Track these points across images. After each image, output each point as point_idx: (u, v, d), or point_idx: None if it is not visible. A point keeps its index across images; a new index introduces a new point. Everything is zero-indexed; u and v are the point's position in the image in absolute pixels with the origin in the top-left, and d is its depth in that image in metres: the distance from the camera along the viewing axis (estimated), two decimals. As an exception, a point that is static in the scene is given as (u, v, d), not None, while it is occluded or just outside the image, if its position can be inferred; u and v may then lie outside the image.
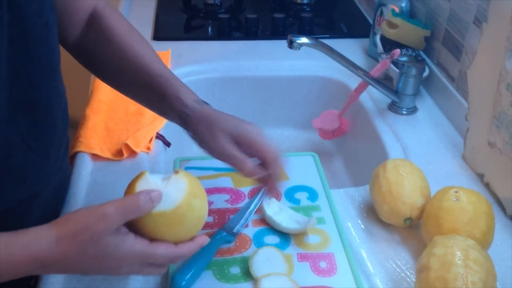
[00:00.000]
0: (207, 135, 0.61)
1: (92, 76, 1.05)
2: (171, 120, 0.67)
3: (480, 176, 0.81)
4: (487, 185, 0.80)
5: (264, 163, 0.62)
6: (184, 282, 0.60)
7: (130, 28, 0.70)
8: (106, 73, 0.71)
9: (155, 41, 1.17)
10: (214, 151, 0.62)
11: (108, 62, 0.69)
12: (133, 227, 0.52)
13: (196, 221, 0.55)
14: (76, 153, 0.82)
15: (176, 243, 0.53)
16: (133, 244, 0.50)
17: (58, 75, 0.64)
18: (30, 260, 0.48)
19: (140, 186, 0.53)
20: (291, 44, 0.86)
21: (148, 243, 0.51)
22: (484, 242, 0.64)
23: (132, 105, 0.92)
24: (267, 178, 0.62)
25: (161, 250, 0.51)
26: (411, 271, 0.66)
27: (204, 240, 0.56)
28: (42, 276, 0.63)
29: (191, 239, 0.55)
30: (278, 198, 0.75)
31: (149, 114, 0.90)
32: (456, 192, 0.66)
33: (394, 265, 0.67)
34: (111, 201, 0.50)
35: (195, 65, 1.10)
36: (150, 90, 0.66)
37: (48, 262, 0.48)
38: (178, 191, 0.53)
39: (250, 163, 0.60)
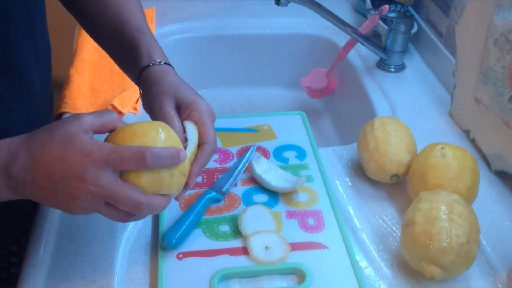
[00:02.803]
0: (159, 94, 0.59)
1: (76, 35, 1.03)
2: (133, 76, 0.65)
3: (466, 132, 0.82)
4: (473, 141, 0.80)
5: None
6: (174, 240, 0.61)
7: None
8: (86, 20, 0.69)
9: (139, -1, 1.14)
10: (151, 106, 0.60)
11: (88, 12, 0.67)
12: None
13: (170, 138, 0.52)
14: (62, 114, 0.81)
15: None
16: (100, 141, 0.49)
17: (38, 31, 0.63)
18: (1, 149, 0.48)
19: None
20: (278, 1, 0.85)
21: (113, 147, 0.49)
22: (469, 196, 0.65)
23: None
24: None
25: (127, 145, 0.49)
26: (397, 226, 0.67)
27: (180, 150, 0.51)
28: (33, 233, 0.63)
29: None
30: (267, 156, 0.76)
31: (134, 74, 0.89)
32: (442, 148, 0.67)
33: (380, 221, 0.68)
34: None
35: (181, 24, 1.07)
36: (124, 43, 0.64)
37: (16, 151, 0.48)
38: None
39: (179, 125, 0.57)
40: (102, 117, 0.50)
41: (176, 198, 0.56)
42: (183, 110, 0.58)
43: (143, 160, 0.48)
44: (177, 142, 0.53)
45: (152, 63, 0.62)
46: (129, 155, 0.48)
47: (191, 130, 0.57)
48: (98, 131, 0.51)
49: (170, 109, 0.58)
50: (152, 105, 0.59)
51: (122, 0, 0.66)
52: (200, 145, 0.57)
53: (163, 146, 0.51)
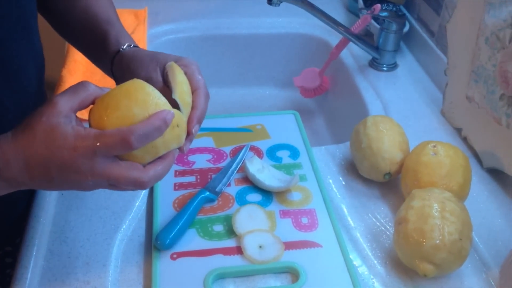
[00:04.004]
0: (139, 67, 0.58)
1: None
2: (105, 67, 0.65)
3: (458, 130, 0.83)
4: (464, 139, 0.81)
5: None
6: (168, 241, 0.61)
7: None
8: (55, 16, 0.69)
9: (131, -1, 1.14)
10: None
11: (58, 10, 0.67)
12: (91, 126, 0.49)
13: (148, 96, 0.48)
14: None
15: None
16: (82, 129, 0.47)
17: (32, 33, 0.62)
18: None
19: None
20: (270, 1, 0.85)
21: (99, 130, 0.47)
22: (461, 194, 0.66)
23: (110, 66, 0.90)
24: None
25: (109, 130, 0.47)
26: (390, 224, 0.67)
27: (165, 113, 0.48)
28: (26, 234, 0.63)
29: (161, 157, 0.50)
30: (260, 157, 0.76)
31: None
32: (434, 146, 0.67)
33: (373, 219, 0.68)
34: None
35: (173, 24, 1.07)
36: (94, 36, 0.64)
37: (7, 158, 0.46)
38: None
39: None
40: (78, 95, 0.48)
41: (181, 150, 0.53)
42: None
43: (129, 144, 0.46)
44: (155, 99, 0.49)
45: (122, 48, 0.61)
46: (113, 143, 0.46)
47: (173, 72, 0.54)
48: (79, 109, 0.49)
49: (158, 82, 0.56)
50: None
51: None
52: (192, 92, 0.55)
53: (143, 114, 0.48)
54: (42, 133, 0.46)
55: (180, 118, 0.51)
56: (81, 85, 0.49)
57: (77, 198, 0.68)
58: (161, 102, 0.50)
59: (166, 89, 0.55)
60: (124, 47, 0.62)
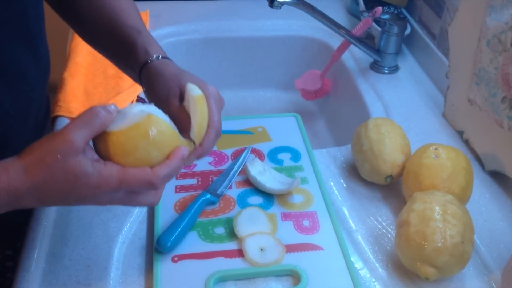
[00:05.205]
0: (161, 86, 0.59)
1: (69, 38, 1.03)
2: (134, 76, 0.65)
3: (460, 133, 0.83)
4: (466, 142, 0.81)
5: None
6: (169, 243, 0.61)
7: None
8: (81, 26, 0.69)
9: (132, 2, 1.14)
10: (160, 100, 0.60)
11: (84, 15, 0.66)
12: (103, 157, 0.50)
13: (164, 136, 0.50)
14: (56, 117, 0.81)
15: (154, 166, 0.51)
16: (103, 167, 0.48)
17: (35, 38, 0.62)
18: (1, 193, 0.46)
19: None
20: (272, 3, 0.85)
21: (120, 167, 0.49)
22: (463, 197, 0.65)
23: (111, 68, 0.90)
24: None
25: (133, 171, 0.49)
26: (391, 226, 0.67)
27: (182, 150, 0.51)
28: (27, 237, 0.63)
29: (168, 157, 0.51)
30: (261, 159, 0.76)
31: (128, 77, 0.89)
32: (436, 149, 0.67)
33: (375, 222, 0.68)
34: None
35: (175, 26, 1.07)
36: (121, 44, 0.64)
37: (20, 193, 0.47)
38: (140, 110, 0.51)
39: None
40: (92, 127, 0.48)
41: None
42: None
43: (155, 186, 0.50)
44: (171, 138, 0.51)
45: (150, 60, 0.61)
46: (139, 186, 0.49)
47: (195, 106, 0.55)
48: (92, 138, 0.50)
49: (175, 101, 0.58)
50: (158, 100, 0.59)
51: (116, 1, 0.66)
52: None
53: (161, 155, 0.51)
54: (61, 172, 0.46)
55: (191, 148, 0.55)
56: (92, 114, 0.48)
57: (78, 200, 0.68)
58: (175, 136, 0.52)
59: (181, 109, 0.57)
60: (153, 58, 0.62)
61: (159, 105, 0.56)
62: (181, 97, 0.58)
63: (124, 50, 0.64)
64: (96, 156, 0.50)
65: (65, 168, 0.46)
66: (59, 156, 0.46)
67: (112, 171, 0.48)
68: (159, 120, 0.51)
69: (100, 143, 0.50)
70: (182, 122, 0.55)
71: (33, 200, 0.48)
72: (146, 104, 0.53)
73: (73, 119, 0.49)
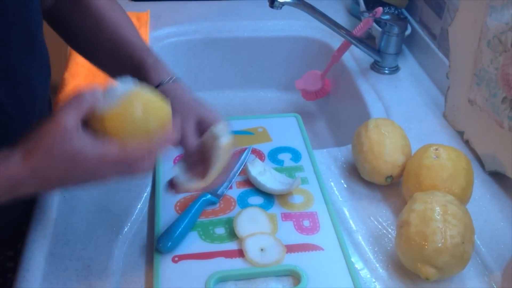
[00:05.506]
0: (176, 110, 0.59)
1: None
2: None
3: (460, 134, 0.83)
4: (466, 142, 0.81)
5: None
6: (170, 243, 0.61)
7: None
8: (81, 43, 0.69)
9: (133, 2, 1.14)
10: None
11: (83, 31, 0.67)
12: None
13: (154, 108, 0.52)
14: (56, 118, 0.81)
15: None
16: (100, 141, 0.49)
17: (38, 43, 0.63)
18: (1, 180, 0.47)
19: None
20: (272, 3, 0.85)
21: (117, 140, 0.50)
22: (463, 197, 0.65)
23: (112, 69, 0.90)
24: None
25: (131, 143, 0.50)
26: (392, 227, 0.67)
27: (175, 123, 0.53)
28: (28, 237, 0.63)
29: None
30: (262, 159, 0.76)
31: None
32: (436, 149, 0.67)
33: (375, 222, 0.68)
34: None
35: (175, 27, 1.07)
36: (126, 62, 0.65)
37: (20, 178, 0.48)
38: (125, 88, 0.52)
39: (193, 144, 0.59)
40: (81, 107, 0.49)
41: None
42: (204, 127, 0.60)
43: (153, 156, 0.51)
44: (159, 108, 0.52)
45: (163, 81, 0.62)
46: (138, 157, 0.50)
47: (219, 154, 0.58)
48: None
49: (191, 129, 0.59)
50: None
51: (114, 18, 0.66)
52: None
53: (153, 126, 0.51)
54: (59, 152, 0.47)
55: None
56: (77, 97, 0.49)
57: (78, 200, 0.68)
58: (163, 106, 0.53)
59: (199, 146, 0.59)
60: (165, 80, 0.62)
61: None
62: (198, 126, 0.60)
63: (130, 70, 0.64)
64: (89, 133, 0.50)
65: (62, 148, 0.47)
66: (55, 138, 0.47)
67: (110, 143, 0.49)
68: (146, 95, 0.52)
69: (93, 124, 0.51)
70: (192, 156, 0.59)
71: (35, 184, 0.49)
72: (129, 80, 0.53)
73: (61, 106, 0.50)
